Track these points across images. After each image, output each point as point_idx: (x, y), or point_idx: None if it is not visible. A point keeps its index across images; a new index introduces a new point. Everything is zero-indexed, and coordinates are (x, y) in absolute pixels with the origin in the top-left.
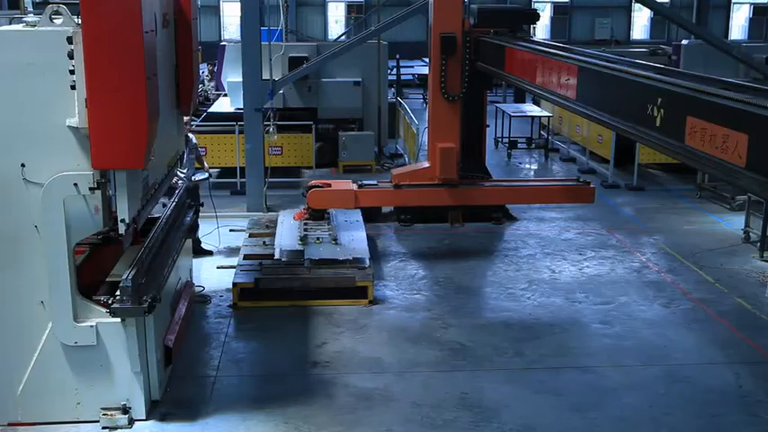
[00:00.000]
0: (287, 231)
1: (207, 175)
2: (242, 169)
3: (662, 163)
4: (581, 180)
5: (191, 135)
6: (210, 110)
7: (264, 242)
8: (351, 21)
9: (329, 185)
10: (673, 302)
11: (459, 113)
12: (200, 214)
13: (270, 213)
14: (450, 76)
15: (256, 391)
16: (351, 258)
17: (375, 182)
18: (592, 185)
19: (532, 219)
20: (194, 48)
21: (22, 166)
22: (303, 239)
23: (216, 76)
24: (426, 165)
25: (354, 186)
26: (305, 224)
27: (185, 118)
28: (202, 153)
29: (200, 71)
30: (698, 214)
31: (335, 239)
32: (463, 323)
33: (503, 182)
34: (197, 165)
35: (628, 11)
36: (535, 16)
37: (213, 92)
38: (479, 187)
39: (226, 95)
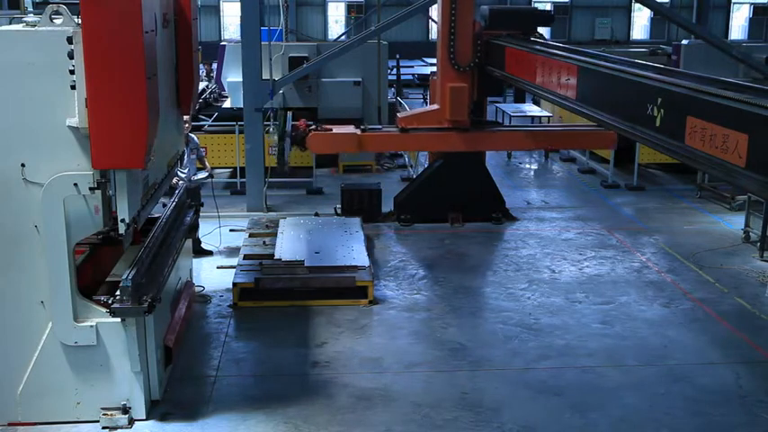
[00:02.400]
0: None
1: (207, 174)
2: (242, 169)
3: (662, 163)
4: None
5: (192, 135)
6: (225, 106)
7: (264, 242)
8: (351, 21)
9: (330, 129)
10: (673, 302)
11: (469, 86)
12: (201, 214)
13: (270, 213)
14: (459, 38)
15: (256, 391)
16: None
17: (379, 126)
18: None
19: (532, 219)
20: (194, 48)
21: (22, 166)
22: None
23: (216, 76)
24: (435, 107)
25: (357, 131)
26: None
27: (186, 117)
28: (203, 153)
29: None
30: (698, 214)
31: None
32: (463, 323)
33: (518, 127)
34: (198, 165)
35: (628, 11)
36: (550, 18)
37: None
38: (493, 132)
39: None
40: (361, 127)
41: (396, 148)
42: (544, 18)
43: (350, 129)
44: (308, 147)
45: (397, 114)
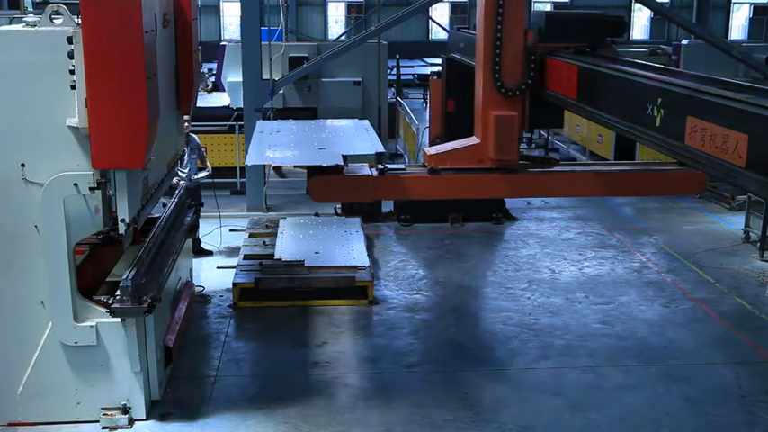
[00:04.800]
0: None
1: (207, 174)
2: (242, 169)
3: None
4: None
5: (193, 135)
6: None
7: (264, 242)
8: (351, 21)
9: (339, 170)
10: (673, 302)
11: (519, 115)
12: (202, 214)
13: (270, 213)
14: (507, 53)
15: (256, 391)
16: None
17: (402, 166)
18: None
19: (532, 219)
20: (194, 48)
21: (22, 166)
22: None
23: (216, 76)
24: (474, 141)
25: (374, 172)
26: None
27: (186, 117)
28: (204, 153)
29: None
30: (698, 214)
31: None
32: (463, 323)
33: (581, 167)
34: (199, 164)
35: (628, 11)
36: (621, 26)
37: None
38: (549, 174)
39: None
40: (379, 166)
41: (423, 196)
42: (615, 26)
43: (364, 169)
44: (311, 195)
45: (424, 149)
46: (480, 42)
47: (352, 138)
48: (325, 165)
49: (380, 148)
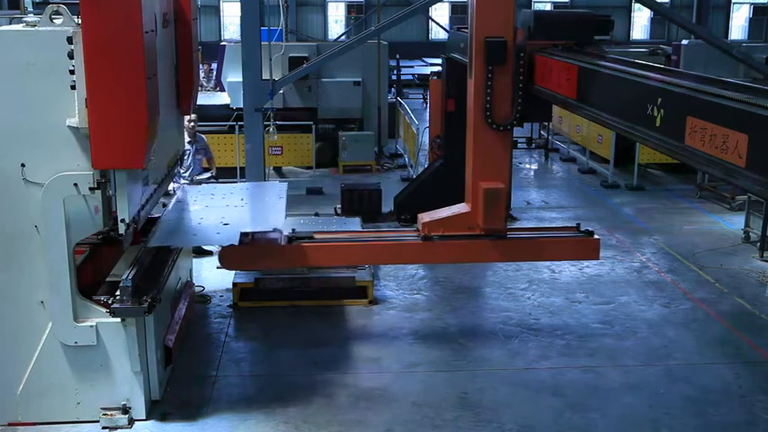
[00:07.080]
0: None
1: (210, 175)
2: (242, 169)
3: (662, 163)
4: (582, 230)
5: (201, 135)
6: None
7: None
8: (351, 21)
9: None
10: (673, 302)
11: (509, 147)
12: None
13: None
14: (497, 99)
15: (256, 391)
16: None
17: (311, 232)
18: (595, 237)
19: (532, 219)
20: (194, 48)
21: (22, 166)
22: None
23: (216, 76)
24: (464, 208)
25: (282, 240)
26: None
27: (193, 116)
28: (211, 155)
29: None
30: (698, 214)
31: None
32: (463, 323)
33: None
34: (205, 165)
35: (628, 11)
36: (609, 24)
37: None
38: (537, 240)
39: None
40: (287, 235)
41: (409, 262)
42: (602, 24)
43: (275, 236)
44: (220, 263)
45: (419, 216)
46: (471, 82)
47: (262, 208)
48: (221, 246)
49: (278, 225)
